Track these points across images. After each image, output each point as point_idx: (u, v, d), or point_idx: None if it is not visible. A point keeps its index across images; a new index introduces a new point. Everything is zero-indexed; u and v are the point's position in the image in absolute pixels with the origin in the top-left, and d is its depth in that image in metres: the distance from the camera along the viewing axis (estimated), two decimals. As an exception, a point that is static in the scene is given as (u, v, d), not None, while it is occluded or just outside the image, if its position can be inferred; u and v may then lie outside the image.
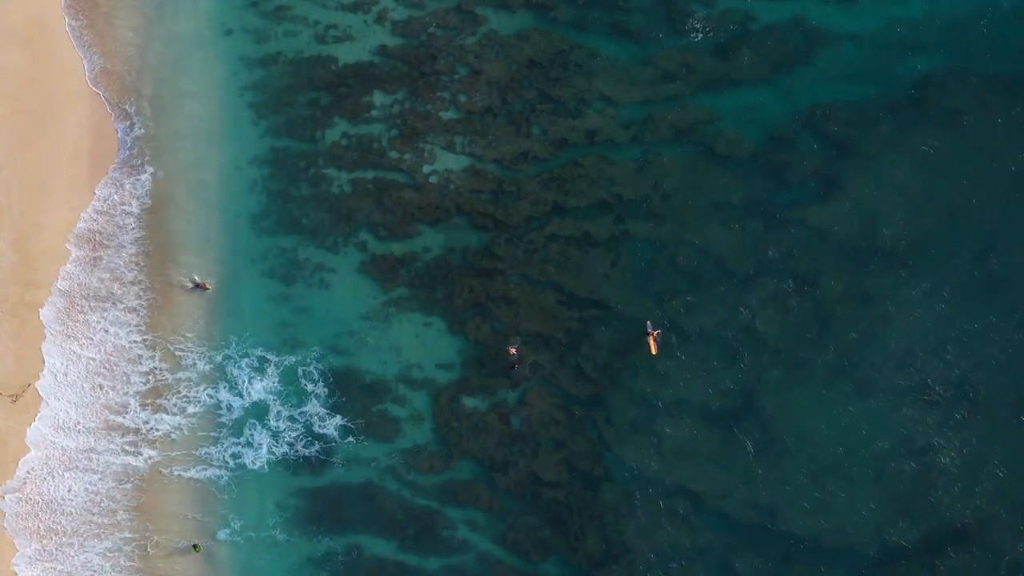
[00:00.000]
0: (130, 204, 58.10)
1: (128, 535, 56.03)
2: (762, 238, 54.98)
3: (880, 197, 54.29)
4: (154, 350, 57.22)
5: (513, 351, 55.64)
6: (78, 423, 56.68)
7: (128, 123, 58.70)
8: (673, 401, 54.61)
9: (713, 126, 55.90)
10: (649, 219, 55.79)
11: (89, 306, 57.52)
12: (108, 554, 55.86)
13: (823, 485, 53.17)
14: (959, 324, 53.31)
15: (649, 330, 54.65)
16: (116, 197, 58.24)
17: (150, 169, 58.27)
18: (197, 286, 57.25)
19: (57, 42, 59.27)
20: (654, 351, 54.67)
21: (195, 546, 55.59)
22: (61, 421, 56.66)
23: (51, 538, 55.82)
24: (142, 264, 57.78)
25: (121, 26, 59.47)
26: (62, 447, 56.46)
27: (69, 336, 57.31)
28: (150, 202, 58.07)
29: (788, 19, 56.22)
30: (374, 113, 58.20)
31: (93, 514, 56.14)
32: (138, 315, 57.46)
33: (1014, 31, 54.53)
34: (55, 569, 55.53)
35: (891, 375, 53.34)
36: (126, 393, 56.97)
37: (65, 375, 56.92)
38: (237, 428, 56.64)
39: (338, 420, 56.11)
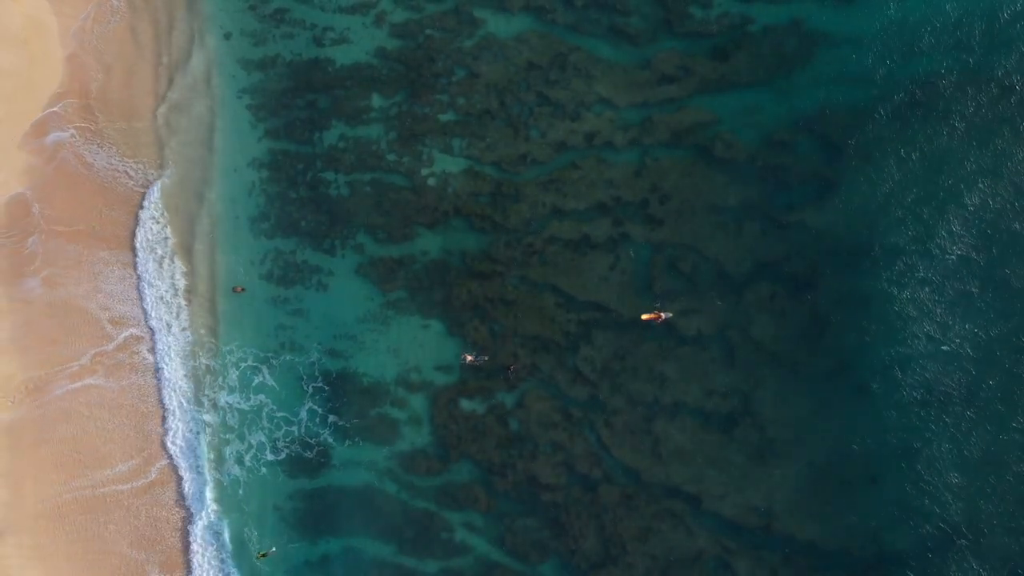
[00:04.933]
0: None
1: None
2: (760, 240, 55.01)
3: (877, 199, 54.30)
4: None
5: (470, 359, 55.67)
6: None
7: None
8: (671, 403, 54.69)
9: (711, 129, 55.84)
10: (647, 222, 55.80)
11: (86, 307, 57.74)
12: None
13: (820, 487, 53.24)
14: (956, 325, 53.36)
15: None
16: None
17: (148, 173, 58.40)
18: (233, 290, 57.22)
19: (53, 45, 59.16)
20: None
21: (264, 553, 55.60)
22: None
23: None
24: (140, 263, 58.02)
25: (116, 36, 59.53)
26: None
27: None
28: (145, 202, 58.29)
29: (786, 21, 56.16)
30: (372, 115, 58.15)
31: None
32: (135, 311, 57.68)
33: (1009, 33, 54.55)
34: None
35: (888, 377, 53.39)
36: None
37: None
38: (233, 431, 56.67)
39: (336, 423, 56.18)
